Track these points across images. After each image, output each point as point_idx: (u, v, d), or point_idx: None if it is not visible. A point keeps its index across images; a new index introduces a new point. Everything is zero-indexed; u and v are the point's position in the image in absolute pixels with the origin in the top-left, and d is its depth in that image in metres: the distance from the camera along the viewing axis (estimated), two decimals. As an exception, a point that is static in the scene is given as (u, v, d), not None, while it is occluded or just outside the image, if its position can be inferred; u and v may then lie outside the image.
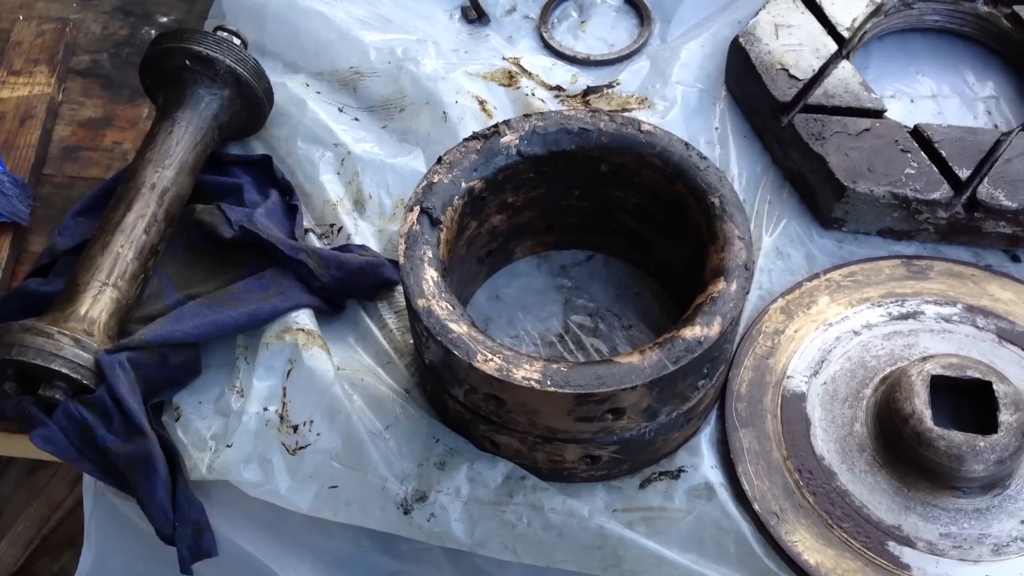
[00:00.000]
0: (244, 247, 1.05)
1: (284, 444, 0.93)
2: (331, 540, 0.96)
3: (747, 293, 0.85)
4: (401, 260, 0.88)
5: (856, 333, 1.00)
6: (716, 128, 1.17)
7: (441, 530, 0.90)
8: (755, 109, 1.16)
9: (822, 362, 0.98)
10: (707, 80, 1.21)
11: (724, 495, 0.91)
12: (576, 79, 1.23)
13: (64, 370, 0.89)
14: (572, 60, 1.26)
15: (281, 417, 0.94)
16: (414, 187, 1.11)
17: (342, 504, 0.91)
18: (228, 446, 0.93)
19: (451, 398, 0.90)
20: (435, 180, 0.93)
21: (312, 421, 0.94)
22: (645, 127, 0.96)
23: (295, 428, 0.94)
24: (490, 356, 0.82)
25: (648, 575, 0.88)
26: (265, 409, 0.94)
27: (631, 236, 1.05)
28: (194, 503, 0.93)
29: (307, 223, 1.11)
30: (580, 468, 0.91)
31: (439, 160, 0.94)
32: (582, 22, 1.31)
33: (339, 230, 1.10)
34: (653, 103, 1.18)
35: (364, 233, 1.10)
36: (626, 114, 1.07)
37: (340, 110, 1.20)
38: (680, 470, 0.93)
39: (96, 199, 1.13)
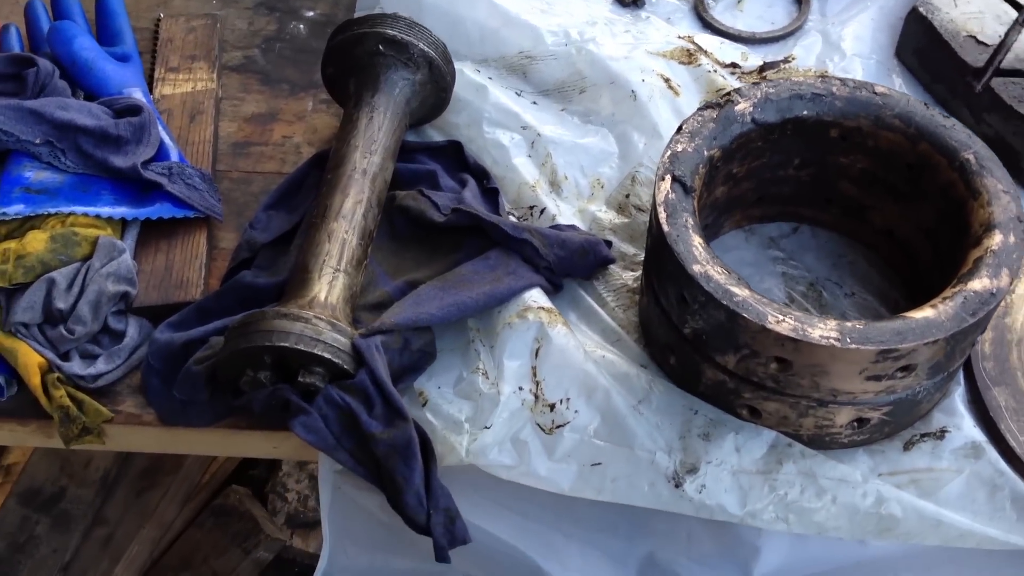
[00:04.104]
0: (455, 231, 1.03)
1: (539, 424, 0.91)
2: (579, 524, 0.94)
3: (1025, 245, 0.85)
4: (665, 228, 0.86)
5: (1086, 289, 1.00)
6: (897, 98, 1.17)
7: (713, 502, 0.88)
8: (938, 78, 1.16)
9: (1059, 319, 0.98)
10: (881, 52, 1.21)
11: (993, 453, 0.90)
12: (747, 56, 1.22)
13: (326, 355, 0.86)
14: (738, 38, 1.26)
15: (536, 396, 0.92)
16: (605, 166, 1.12)
17: (608, 481, 0.89)
18: (487, 427, 0.90)
19: (714, 367, 0.88)
20: (679, 149, 0.92)
21: (568, 399, 0.92)
22: (879, 89, 0.96)
23: (551, 407, 0.91)
24: (782, 317, 0.81)
25: (924, 536, 0.87)
26: (520, 388, 0.92)
27: (847, 204, 1.04)
28: (444, 490, 0.91)
29: (506, 206, 1.09)
30: (845, 433, 0.90)
31: (679, 129, 0.93)
32: (738, 1, 1.31)
33: (541, 211, 1.08)
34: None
35: (566, 214, 1.08)
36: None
37: (518, 94, 1.18)
38: (943, 430, 0.92)
39: (283, 193, 1.11)
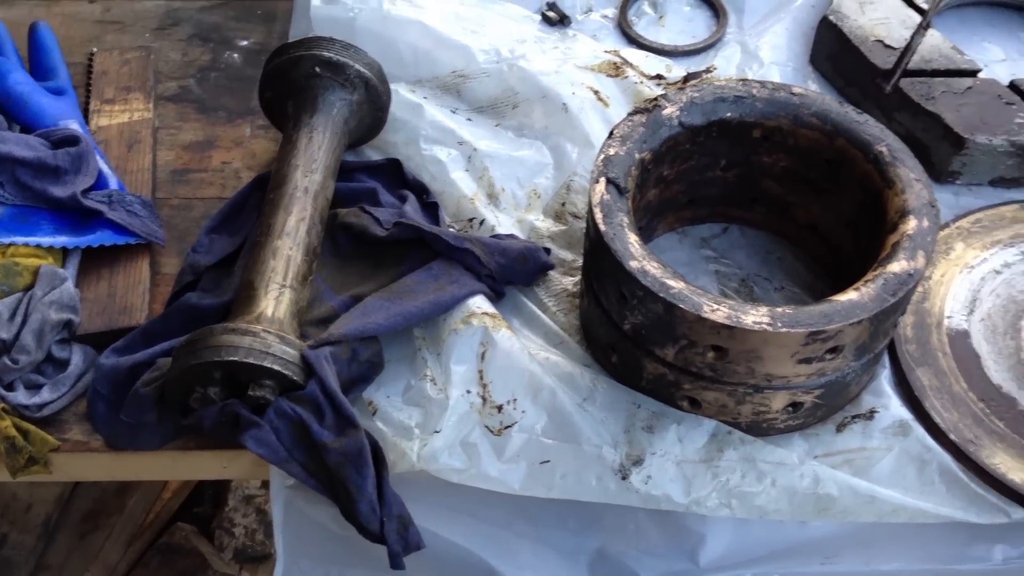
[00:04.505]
0: (397, 245, 1.05)
1: (487, 426, 0.93)
2: (531, 522, 0.96)
3: (938, 229, 0.90)
4: (602, 228, 0.90)
5: (998, 272, 1.06)
6: (814, 103, 1.23)
7: (659, 492, 0.90)
8: (851, 81, 1.22)
9: (974, 301, 1.03)
10: (796, 60, 1.27)
11: (920, 430, 0.94)
12: (670, 68, 1.27)
13: (276, 367, 0.87)
14: (661, 51, 1.31)
15: (484, 399, 0.94)
16: (540, 176, 1.16)
17: (557, 478, 0.91)
18: (436, 432, 0.92)
19: (654, 361, 0.92)
20: (611, 153, 0.95)
21: (515, 400, 0.94)
22: (796, 90, 1.01)
23: (499, 408, 0.94)
24: (716, 306, 0.85)
25: (860, 514, 0.91)
26: (468, 392, 0.94)
27: (771, 202, 1.09)
28: (396, 497, 0.92)
29: (446, 219, 1.11)
30: (780, 418, 0.93)
31: (611, 134, 0.97)
32: (660, 17, 1.36)
33: (481, 223, 1.11)
34: (752, 84, 1.23)
35: (505, 224, 1.11)
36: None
37: (454, 112, 1.21)
38: (872, 411, 0.96)
39: (225, 216, 1.12)
